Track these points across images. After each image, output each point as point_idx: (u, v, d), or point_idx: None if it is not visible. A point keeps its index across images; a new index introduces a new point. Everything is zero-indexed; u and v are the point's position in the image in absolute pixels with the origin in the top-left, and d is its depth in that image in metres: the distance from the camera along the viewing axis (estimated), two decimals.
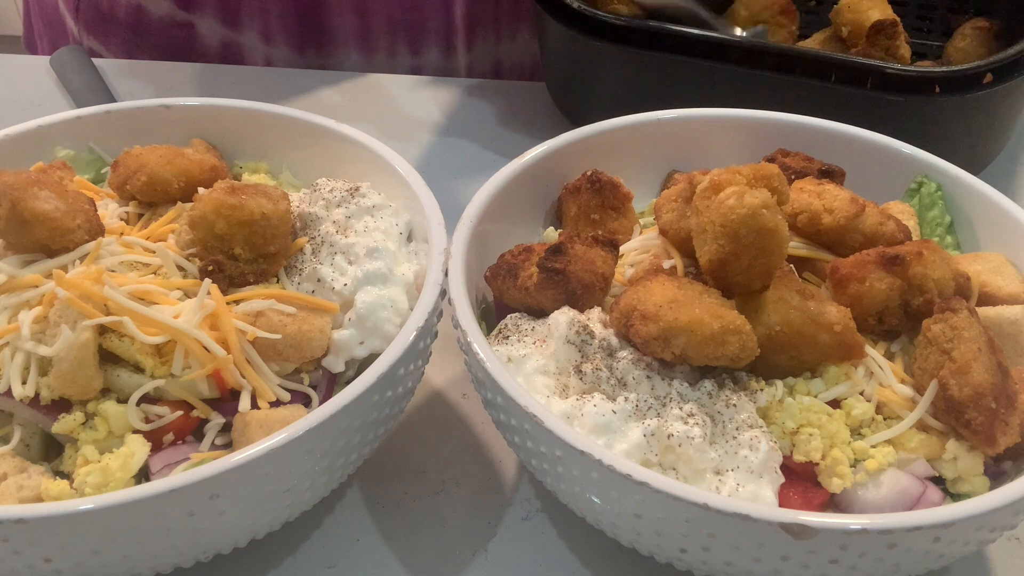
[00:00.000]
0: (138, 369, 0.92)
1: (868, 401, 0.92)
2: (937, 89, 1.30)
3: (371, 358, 0.97)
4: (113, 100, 1.56)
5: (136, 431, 0.91)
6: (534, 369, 0.94)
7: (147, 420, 0.91)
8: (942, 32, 1.61)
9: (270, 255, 1.01)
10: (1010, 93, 1.35)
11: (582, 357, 0.93)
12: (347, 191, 1.07)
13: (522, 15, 1.79)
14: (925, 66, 1.46)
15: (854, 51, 1.45)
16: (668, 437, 0.87)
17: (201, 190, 1.01)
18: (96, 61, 1.66)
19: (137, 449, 0.89)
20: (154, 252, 1.01)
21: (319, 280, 1.00)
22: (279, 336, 0.94)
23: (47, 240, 0.97)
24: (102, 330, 0.91)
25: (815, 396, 0.92)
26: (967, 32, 1.52)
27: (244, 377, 0.93)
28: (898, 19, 1.46)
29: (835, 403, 0.93)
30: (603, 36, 1.41)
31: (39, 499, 0.88)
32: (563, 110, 1.59)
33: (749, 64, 1.36)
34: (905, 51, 1.46)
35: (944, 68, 1.31)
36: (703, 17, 1.46)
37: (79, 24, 1.78)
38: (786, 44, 1.47)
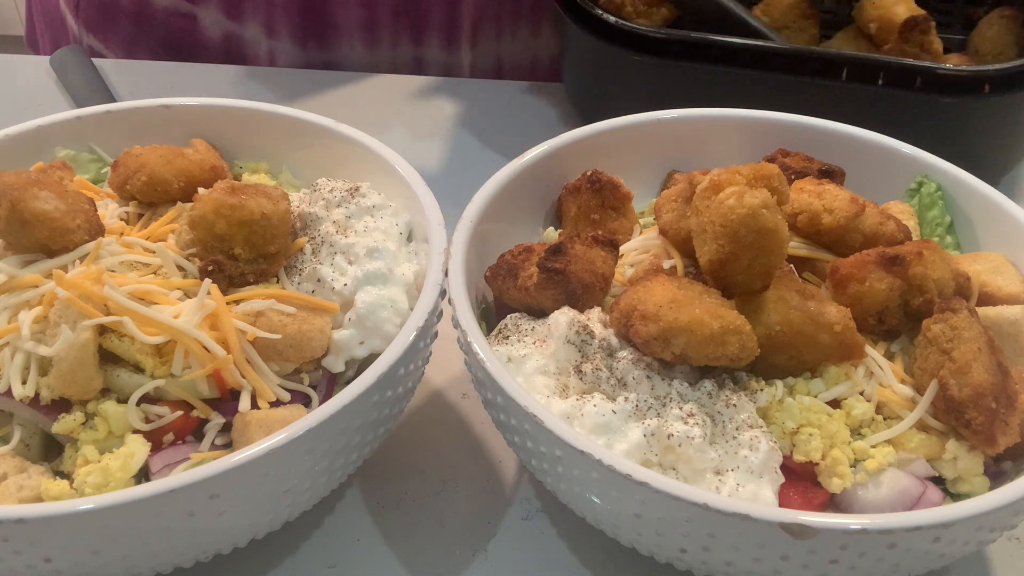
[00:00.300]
0: (138, 369, 0.92)
1: (868, 401, 0.92)
2: (987, 89, 1.30)
3: (371, 358, 0.97)
4: (113, 100, 1.56)
5: (136, 431, 0.91)
6: (534, 369, 0.94)
7: (147, 420, 0.91)
8: (962, 26, 1.61)
9: (270, 255, 1.01)
10: None
11: (582, 357, 0.93)
12: (347, 191, 1.07)
13: (522, 12, 1.79)
14: (967, 65, 1.44)
15: (886, 48, 1.44)
16: (668, 437, 0.87)
17: (201, 190, 1.01)
18: (96, 61, 1.66)
19: (137, 449, 0.89)
20: (154, 252, 1.01)
21: (319, 280, 1.00)
22: (279, 336, 0.94)
23: (47, 240, 0.97)
24: (102, 330, 0.91)
25: (815, 396, 0.92)
26: (994, 21, 1.52)
27: (244, 377, 0.93)
28: (928, 14, 1.46)
29: (835, 403, 0.93)
30: (626, 45, 1.41)
31: (39, 499, 0.88)
32: (582, 114, 1.59)
33: (790, 71, 1.35)
34: (938, 45, 1.45)
35: (995, 66, 1.30)
36: (734, 8, 1.44)
37: (79, 22, 1.78)
38: (826, 48, 1.46)
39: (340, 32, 1.72)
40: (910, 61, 1.34)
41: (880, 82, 1.33)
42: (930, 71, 1.31)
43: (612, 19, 1.42)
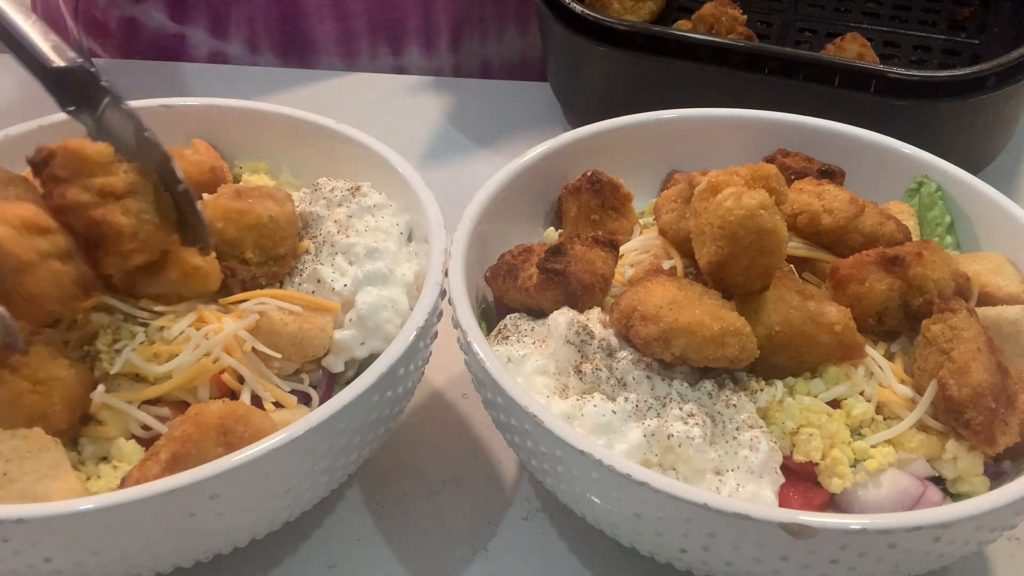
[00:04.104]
0: (138, 377, 0.92)
1: (868, 401, 0.92)
2: (940, 93, 1.30)
3: (371, 358, 0.97)
4: None
5: (134, 436, 0.91)
6: (534, 369, 0.94)
7: (145, 428, 0.91)
8: (947, 25, 1.61)
9: (280, 257, 1.01)
10: (1012, 95, 1.34)
11: (582, 357, 0.93)
12: (348, 190, 1.07)
13: (508, 13, 1.79)
14: (928, 70, 1.46)
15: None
16: (668, 437, 0.87)
17: (205, 196, 1.02)
18: (96, 61, 1.66)
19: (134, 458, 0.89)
20: None
21: (319, 281, 1.00)
22: (279, 355, 0.94)
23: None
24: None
25: (815, 396, 0.92)
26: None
27: (246, 380, 0.93)
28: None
29: (835, 403, 0.93)
30: (606, 40, 1.41)
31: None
32: (569, 113, 1.59)
33: (752, 69, 1.36)
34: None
35: (947, 72, 1.31)
36: None
37: (78, 24, 1.78)
38: (785, 48, 1.46)
39: (318, 47, 1.73)
40: (865, 64, 1.34)
41: (836, 84, 1.33)
42: (882, 75, 1.32)
43: (578, 8, 1.42)
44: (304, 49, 1.74)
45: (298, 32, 1.72)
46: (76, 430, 0.90)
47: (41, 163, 0.91)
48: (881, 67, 1.34)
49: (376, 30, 1.73)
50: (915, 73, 1.32)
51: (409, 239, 1.09)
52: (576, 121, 1.28)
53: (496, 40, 1.81)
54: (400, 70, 1.77)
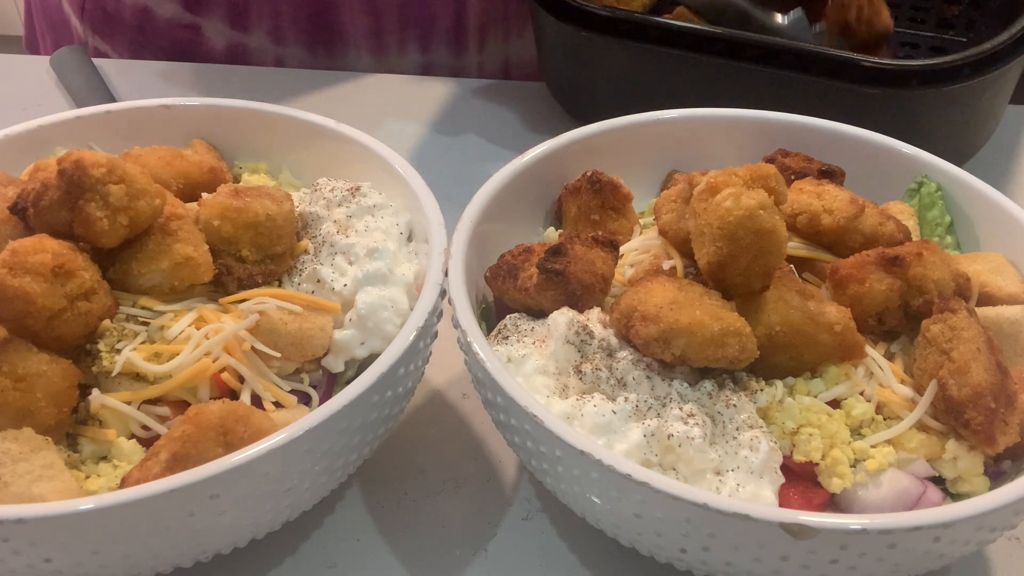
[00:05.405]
0: (138, 377, 0.92)
1: (868, 401, 0.92)
2: (914, 82, 1.31)
3: (371, 357, 0.97)
4: (113, 100, 1.56)
5: (134, 436, 0.91)
6: (534, 369, 0.94)
7: (145, 428, 0.91)
8: (936, 24, 1.61)
9: (277, 255, 1.01)
10: (988, 86, 1.34)
11: (581, 357, 0.93)
12: (348, 191, 1.08)
13: (528, 13, 1.78)
14: (899, 60, 1.46)
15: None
16: (668, 437, 0.87)
17: (204, 195, 1.02)
18: (96, 61, 1.66)
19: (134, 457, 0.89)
20: None
21: (319, 281, 1.00)
22: (279, 355, 0.94)
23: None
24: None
25: (815, 396, 0.92)
26: None
27: (246, 380, 0.93)
28: None
29: (835, 403, 0.93)
30: (596, 30, 1.41)
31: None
32: (564, 106, 1.59)
33: (731, 56, 1.36)
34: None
35: (922, 61, 1.31)
36: (753, 13, 1.44)
37: (84, 24, 1.78)
38: (765, 36, 1.46)
39: (347, 40, 1.72)
40: (844, 53, 1.34)
41: (813, 72, 1.33)
42: (856, 63, 1.31)
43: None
44: (332, 42, 1.72)
45: (329, 25, 1.70)
46: (70, 427, 0.90)
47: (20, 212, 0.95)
48: (856, 56, 1.33)
49: (407, 26, 1.72)
50: (890, 63, 1.32)
51: (409, 239, 1.09)
52: (575, 120, 1.27)
53: (518, 40, 1.80)
54: (427, 67, 1.77)
